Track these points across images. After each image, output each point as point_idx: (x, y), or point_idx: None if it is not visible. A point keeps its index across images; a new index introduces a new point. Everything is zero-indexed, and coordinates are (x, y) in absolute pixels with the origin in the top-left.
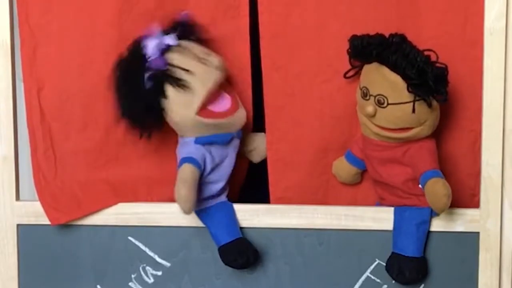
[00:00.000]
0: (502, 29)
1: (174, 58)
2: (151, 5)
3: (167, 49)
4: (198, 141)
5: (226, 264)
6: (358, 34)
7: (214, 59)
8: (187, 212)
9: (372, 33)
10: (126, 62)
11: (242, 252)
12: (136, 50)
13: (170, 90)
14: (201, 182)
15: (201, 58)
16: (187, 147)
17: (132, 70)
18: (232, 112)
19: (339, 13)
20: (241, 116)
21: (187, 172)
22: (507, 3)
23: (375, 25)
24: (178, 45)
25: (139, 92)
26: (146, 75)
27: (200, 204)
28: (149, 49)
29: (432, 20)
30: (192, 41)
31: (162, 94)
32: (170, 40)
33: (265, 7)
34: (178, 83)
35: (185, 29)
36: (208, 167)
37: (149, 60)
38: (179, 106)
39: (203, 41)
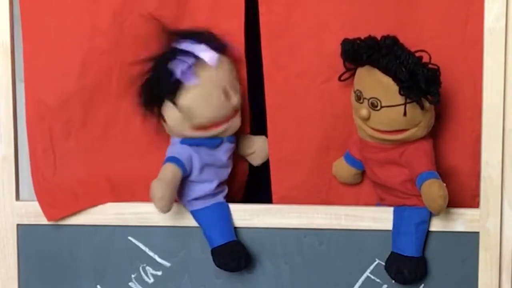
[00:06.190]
0: (502, 29)
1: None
2: (152, 5)
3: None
4: (184, 141)
5: (217, 266)
6: (358, 34)
7: (235, 99)
8: (163, 210)
9: (372, 33)
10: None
11: (234, 256)
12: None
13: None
14: (192, 182)
15: (226, 91)
16: (173, 147)
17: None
18: (226, 122)
19: (339, 13)
20: (234, 125)
21: (165, 171)
22: (507, 3)
23: (375, 25)
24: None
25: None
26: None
27: (195, 204)
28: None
29: (432, 20)
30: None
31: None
32: (209, 58)
33: (266, 7)
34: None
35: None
36: (197, 166)
37: (179, 69)
38: (178, 114)
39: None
